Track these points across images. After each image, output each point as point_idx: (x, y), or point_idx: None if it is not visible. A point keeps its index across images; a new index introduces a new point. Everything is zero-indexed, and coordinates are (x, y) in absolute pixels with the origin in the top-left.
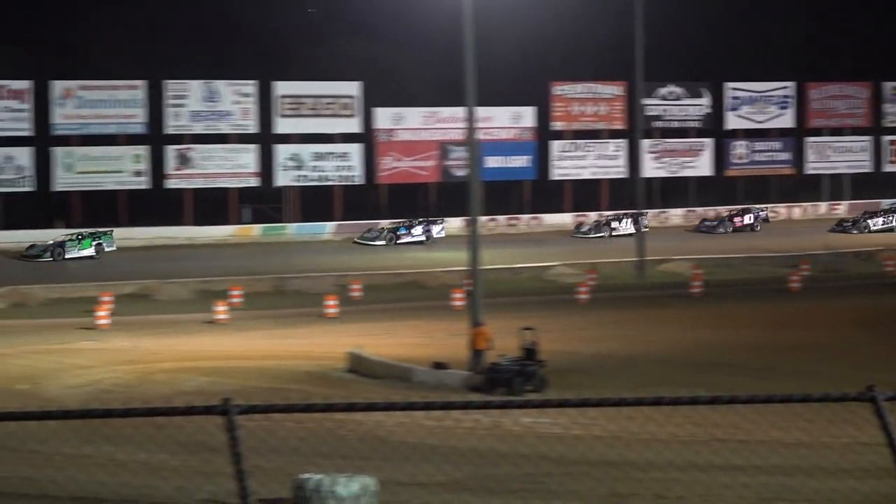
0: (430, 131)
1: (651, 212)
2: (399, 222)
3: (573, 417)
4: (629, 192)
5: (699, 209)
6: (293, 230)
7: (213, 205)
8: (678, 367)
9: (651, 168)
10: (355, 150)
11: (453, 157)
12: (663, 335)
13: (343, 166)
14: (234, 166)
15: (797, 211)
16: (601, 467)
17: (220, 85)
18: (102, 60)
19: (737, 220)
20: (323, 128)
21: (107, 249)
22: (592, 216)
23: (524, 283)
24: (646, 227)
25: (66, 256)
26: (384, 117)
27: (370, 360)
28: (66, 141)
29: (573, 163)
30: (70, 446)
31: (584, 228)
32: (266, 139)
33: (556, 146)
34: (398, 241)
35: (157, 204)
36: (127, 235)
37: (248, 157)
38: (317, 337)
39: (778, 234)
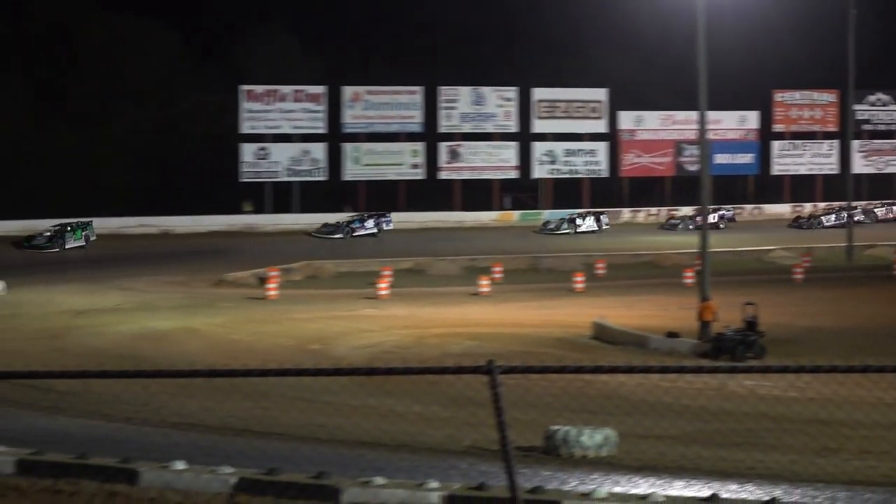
0: (667, 131)
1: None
2: (355, 216)
3: (790, 381)
4: (840, 187)
5: None
6: (546, 216)
7: (478, 193)
8: (884, 338)
9: (860, 165)
10: (601, 147)
11: (686, 154)
12: (870, 311)
13: (590, 161)
14: (497, 160)
15: None
16: (814, 425)
17: (486, 91)
18: (386, 69)
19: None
20: (574, 128)
21: (385, 229)
22: (808, 207)
23: (746, 265)
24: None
25: (354, 234)
26: (627, 119)
27: (612, 329)
28: (354, 138)
29: (791, 160)
30: (356, 398)
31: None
32: (524, 137)
33: (776, 146)
34: (353, 234)
35: (430, 192)
36: (404, 219)
37: (508, 152)
38: (566, 308)
39: None
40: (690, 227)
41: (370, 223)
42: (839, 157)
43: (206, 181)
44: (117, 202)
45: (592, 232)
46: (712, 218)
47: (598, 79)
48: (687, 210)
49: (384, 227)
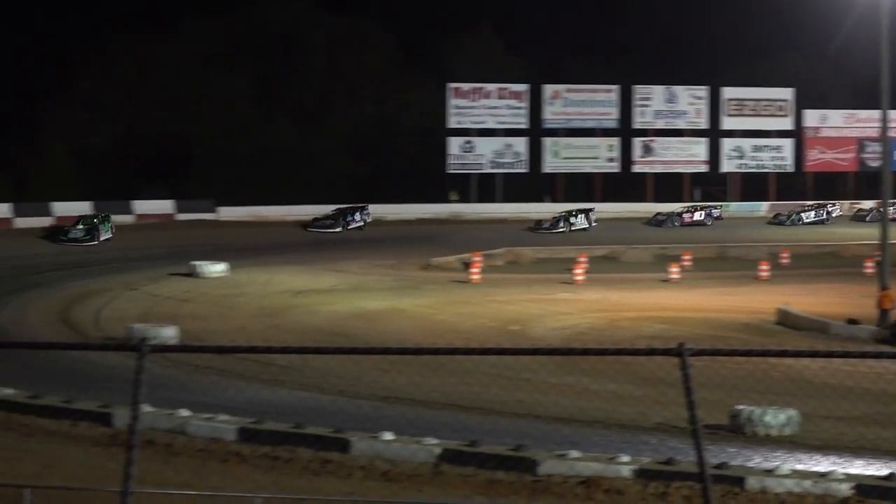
0: (850, 129)
1: None
2: (345, 208)
3: None
4: None
5: None
6: (733, 208)
7: (669, 186)
8: None
9: None
10: (787, 143)
11: (869, 150)
12: None
13: (777, 157)
14: (688, 155)
15: None
16: None
17: (678, 89)
18: (584, 69)
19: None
20: (761, 125)
21: (367, 221)
22: None
23: None
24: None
25: (572, 229)
26: (812, 117)
27: (795, 315)
28: (553, 133)
29: None
30: (554, 377)
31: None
32: (714, 134)
33: None
34: (349, 227)
35: (624, 184)
36: (600, 209)
37: (698, 148)
38: (751, 295)
39: None
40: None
41: (357, 216)
42: None
43: (414, 172)
44: (332, 191)
45: (584, 230)
46: (698, 216)
47: (784, 79)
48: (870, 203)
49: (366, 220)
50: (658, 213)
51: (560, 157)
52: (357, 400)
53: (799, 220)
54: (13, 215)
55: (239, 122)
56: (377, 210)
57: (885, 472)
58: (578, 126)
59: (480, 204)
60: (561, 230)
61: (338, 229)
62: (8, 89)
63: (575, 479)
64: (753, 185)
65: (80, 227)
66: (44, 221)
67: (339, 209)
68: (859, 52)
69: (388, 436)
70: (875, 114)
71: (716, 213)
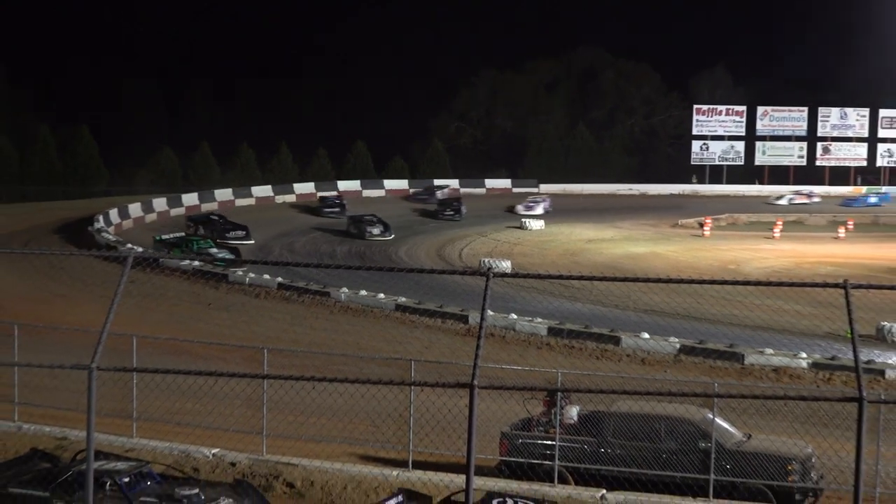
0: None
1: None
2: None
3: None
4: None
5: None
6: (884, 190)
7: (839, 175)
8: None
9: None
10: None
11: None
12: None
13: None
14: (854, 154)
15: None
16: None
17: (848, 110)
18: (784, 94)
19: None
20: None
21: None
22: None
23: None
24: None
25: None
26: None
27: None
28: (762, 138)
29: None
30: (757, 300)
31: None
32: (872, 140)
33: None
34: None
35: (810, 174)
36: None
37: (861, 149)
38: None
39: None
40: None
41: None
42: None
43: (668, 164)
44: (612, 175)
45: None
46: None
47: None
48: None
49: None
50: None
51: (766, 154)
52: (626, 311)
53: None
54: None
55: (555, 128)
56: (641, 188)
57: None
58: (779, 134)
59: (711, 185)
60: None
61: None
62: (409, 105)
63: (769, 367)
64: None
65: (449, 211)
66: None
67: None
68: None
69: (646, 335)
70: None
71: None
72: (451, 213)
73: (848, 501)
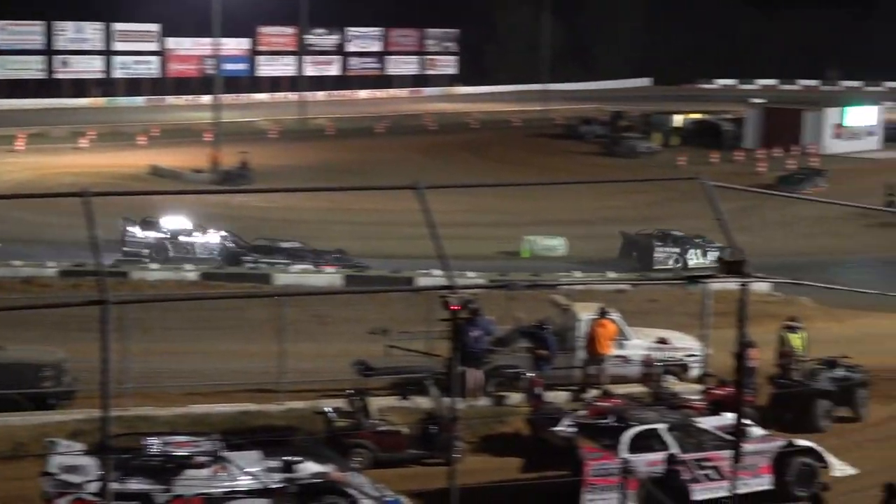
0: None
1: None
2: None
3: None
4: None
5: None
6: None
7: None
8: None
9: None
10: None
11: None
12: None
13: None
14: None
15: None
16: None
17: None
18: None
19: None
20: None
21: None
22: None
23: None
24: None
25: None
26: None
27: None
28: None
29: None
30: None
31: None
32: None
33: None
34: None
35: None
36: None
37: None
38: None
39: None
40: None
41: None
42: None
43: None
44: None
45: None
46: None
47: None
48: None
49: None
50: None
51: (5, 69)
52: None
53: None
54: None
55: None
56: None
57: None
58: (17, 48)
59: None
60: None
61: None
62: None
63: (18, 279)
64: None
65: None
66: None
67: None
68: None
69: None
70: None
71: None
72: None
73: None
